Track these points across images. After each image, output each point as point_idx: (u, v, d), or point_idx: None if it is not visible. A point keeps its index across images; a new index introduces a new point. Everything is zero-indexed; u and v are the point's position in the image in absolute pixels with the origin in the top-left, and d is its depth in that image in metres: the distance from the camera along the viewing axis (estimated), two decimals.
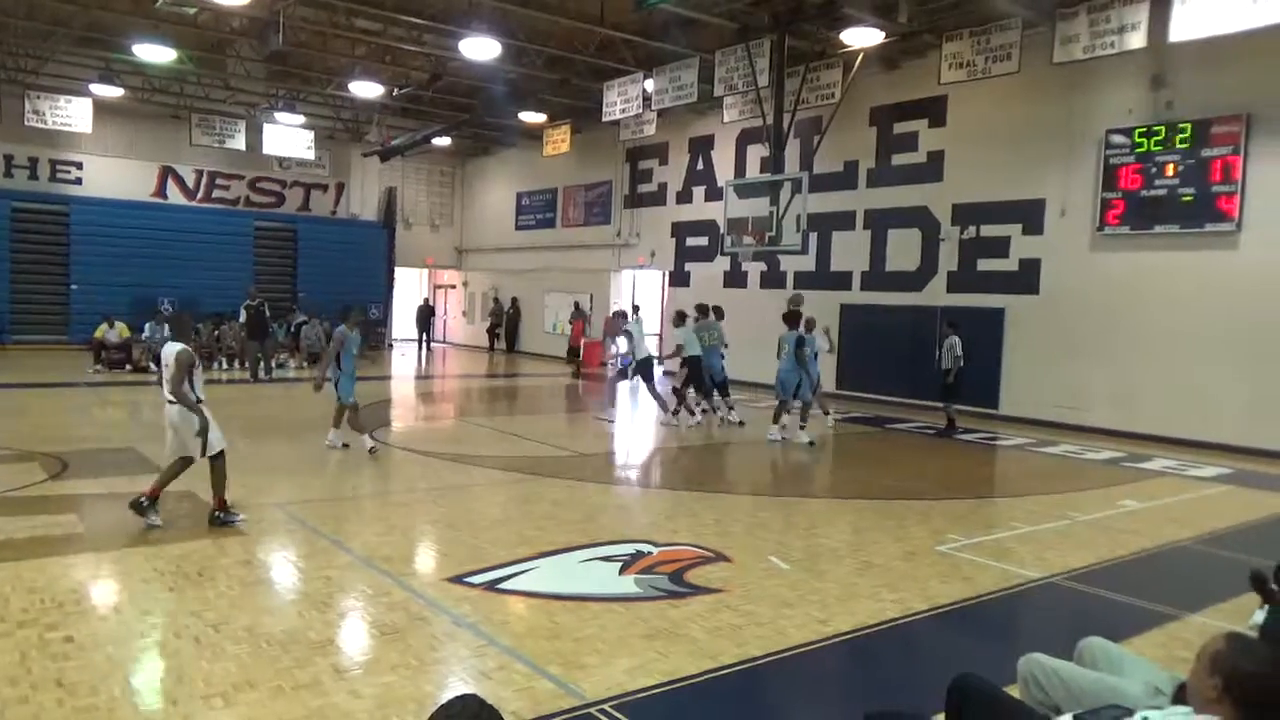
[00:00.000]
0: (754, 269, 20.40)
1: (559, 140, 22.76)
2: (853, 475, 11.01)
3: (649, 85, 17.61)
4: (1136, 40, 12.08)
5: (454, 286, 33.22)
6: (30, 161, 24.05)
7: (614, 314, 16.90)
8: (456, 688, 4.35)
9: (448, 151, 29.98)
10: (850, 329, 17.85)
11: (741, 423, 13.98)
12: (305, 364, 21.04)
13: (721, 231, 18.21)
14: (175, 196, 26.34)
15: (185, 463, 7.11)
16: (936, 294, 16.77)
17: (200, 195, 26.74)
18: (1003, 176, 15.73)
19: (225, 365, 20.13)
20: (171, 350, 7.05)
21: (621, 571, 6.28)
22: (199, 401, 7.01)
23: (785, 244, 16.01)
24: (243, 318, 18.95)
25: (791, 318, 12.96)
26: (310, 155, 24.88)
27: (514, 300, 28.53)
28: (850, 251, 18.45)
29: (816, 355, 14.00)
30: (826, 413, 14.48)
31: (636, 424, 15.04)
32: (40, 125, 20.86)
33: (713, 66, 16.45)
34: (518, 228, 29.35)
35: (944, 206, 16.68)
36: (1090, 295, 14.53)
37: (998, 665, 3.67)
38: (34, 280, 23.38)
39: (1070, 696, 3.21)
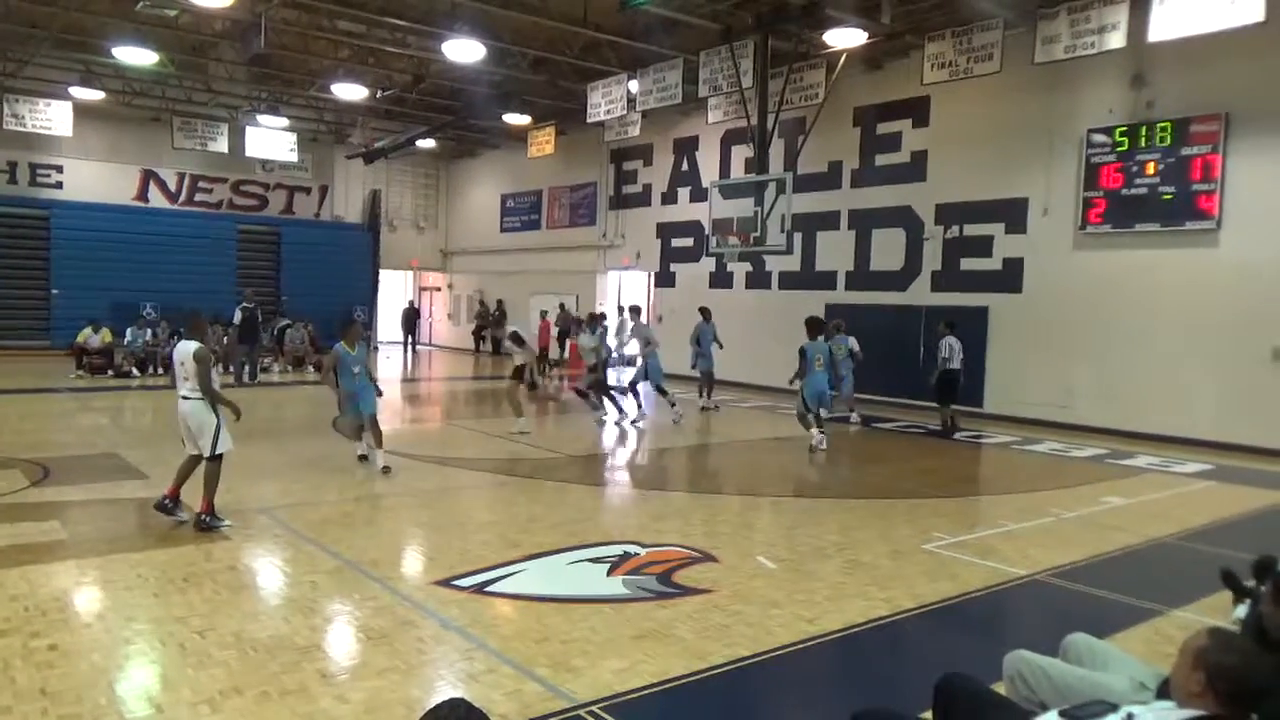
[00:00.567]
0: (739, 269, 20.44)
1: (543, 142, 22.72)
2: (839, 474, 11.05)
3: (633, 86, 17.61)
4: (1116, 40, 12.17)
5: (439, 289, 33.14)
6: (9, 165, 23.87)
7: (589, 315, 16.78)
8: (445, 691, 4.34)
9: (432, 153, 29.90)
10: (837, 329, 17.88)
11: (677, 420, 14.19)
12: (289, 368, 20.95)
13: (706, 232, 18.23)
14: (157, 200, 26.19)
15: (196, 460, 7.20)
16: (921, 293, 16.85)
17: (182, 199, 26.59)
18: (985, 176, 15.83)
19: None
20: (188, 349, 7.13)
21: (610, 573, 6.28)
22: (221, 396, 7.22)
23: (770, 244, 16.04)
24: (238, 319, 18.71)
25: (814, 325, 12.36)
26: (293, 158, 24.76)
27: (499, 302, 28.48)
28: (835, 252, 18.51)
29: (852, 355, 14.49)
30: (851, 410, 14.99)
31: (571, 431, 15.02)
32: (19, 129, 20.68)
33: (696, 67, 16.47)
34: (503, 230, 29.30)
35: (927, 206, 16.77)
36: (1073, 293, 14.64)
37: (984, 663, 3.70)
38: (14, 285, 23.18)
39: (1056, 693, 3.24)
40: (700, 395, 16.55)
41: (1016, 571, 6.66)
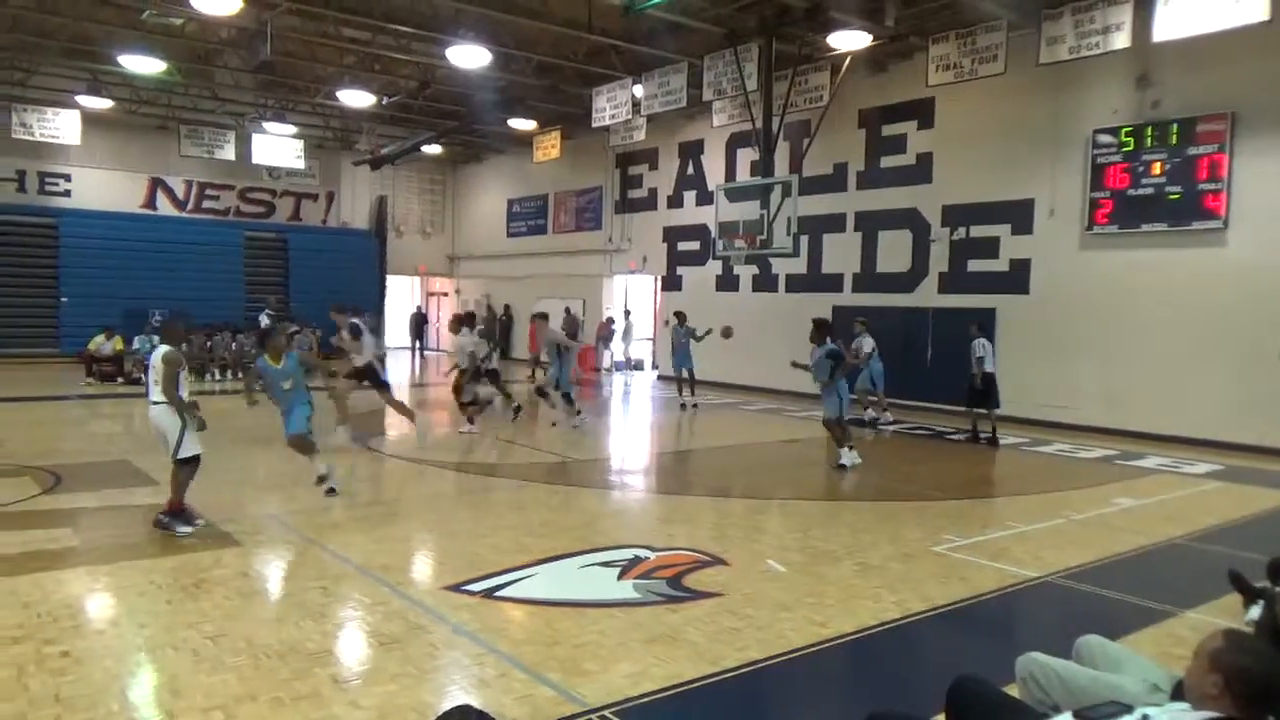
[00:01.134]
0: (746, 273, 20.43)
1: (549, 146, 22.77)
2: (848, 477, 11.02)
3: (638, 90, 17.65)
4: (1121, 40, 12.15)
5: (446, 294, 33.21)
6: (18, 174, 23.96)
7: (465, 314, 15.70)
8: (456, 696, 4.35)
9: (438, 159, 29.98)
10: (843, 331, 17.82)
11: (555, 424, 13.94)
12: None
13: (713, 236, 18.25)
14: (165, 208, 26.29)
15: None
16: (928, 295, 16.83)
17: (190, 206, 26.69)
18: (991, 177, 15.81)
19: (218, 376, 20.07)
20: (158, 353, 7.14)
21: (620, 577, 6.28)
22: (190, 404, 7.09)
23: (776, 247, 16.05)
24: (264, 323, 18.44)
25: (820, 328, 10.94)
26: (300, 164, 24.85)
27: (506, 307, 28.50)
28: (841, 254, 18.50)
29: (875, 353, 14.56)
30: (884, 409, 15.09)
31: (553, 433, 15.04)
32: (27, 138, 20.82)
33: (701, 71, 16.50)
34: (509, 234, 29.35)
35: (934, 208, 16.75)
36: (1080, 294, 14.61)
37: (997, 665, 3.69)
38: (23, 293, 23.29)
39: (1069, 695, 3.23)
40: (681, 394, 17.10)
41: (1028, 573, 6.64)
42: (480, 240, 30.90)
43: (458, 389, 13.25)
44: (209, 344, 20.47)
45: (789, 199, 15.55)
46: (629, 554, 6.81)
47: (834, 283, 18.58)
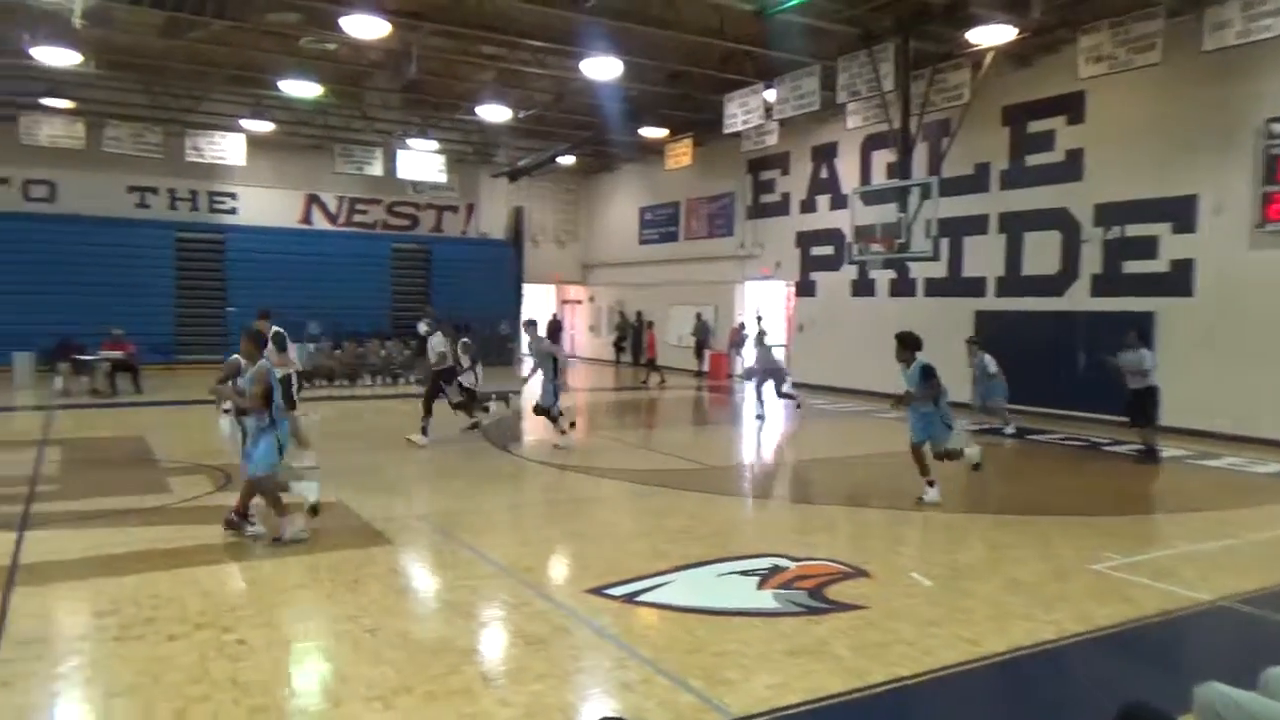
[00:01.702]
0: (883, 277, 19.94)
1: (680, 154, 22.88)
2: (989, 489, 10.56)
3: (770, 95, 17.50)
4: None
5: (580, 302, 33.85)
6: (191, 194, 25.98)
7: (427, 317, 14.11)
8: (601, 699, 4.43)
9: (572, 169, 30.60)
10: (987, 337, 17.19)
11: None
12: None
13: (848, 240, 17.90)
14: (319, 222, 27.95)
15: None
16: (1080, 298, 15.98)
17: (341, 220, 28.26)
18: (1149, 173, 14.88)
19: (369, 381, 21.33)
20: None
21: (760, 586, 6.24)
22: (287, 412, 7.27)
23: (915, 250, 15.62)
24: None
25: (906, 344, 9.15)
26: (442, 178, 25.83)
27: (639, 314, 28.81)
28: (984, 256, 17.80)
29: (987, 373, 14.06)
30: (1005, 422, 14.48)
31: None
32: (199, 160, 22.44)
33: (834, 73, 16.22)
34: (641, 242, 29.66)
35: (1085, 207, 15.90)
36: (1251, 296, 13.55)
37: (1168, 694, 3.47)
38: (196, 304, 25.18)
39: None
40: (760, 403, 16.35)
41: (1198, 596, 6.20)
42: (613, 248, 31.35)
43: (429, 394, 12.60)
44: (360, 350, 21.64)
45: (928, 201, 15.10)
46: (768, 563, 6.75)
47: (976, 286, 17.90)
